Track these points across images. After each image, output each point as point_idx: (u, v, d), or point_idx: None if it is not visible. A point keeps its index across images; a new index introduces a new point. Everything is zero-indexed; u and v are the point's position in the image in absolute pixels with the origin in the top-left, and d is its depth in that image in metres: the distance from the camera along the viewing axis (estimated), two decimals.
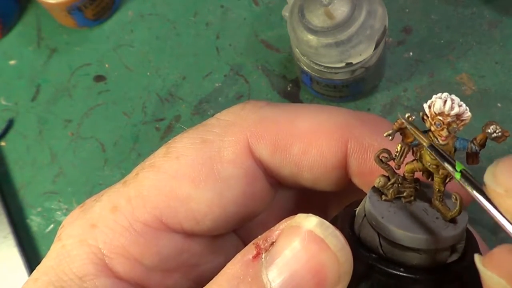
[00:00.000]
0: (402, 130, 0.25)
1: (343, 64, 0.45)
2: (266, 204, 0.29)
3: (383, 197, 0.25)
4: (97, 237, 0.26)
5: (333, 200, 0.32)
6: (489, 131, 0.25)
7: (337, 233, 0.22)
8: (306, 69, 0.48)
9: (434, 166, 0.25)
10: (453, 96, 0.24)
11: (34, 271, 0.26)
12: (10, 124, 0.58)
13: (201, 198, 0.26)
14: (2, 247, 0.53)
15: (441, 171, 0.25)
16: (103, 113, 0.57)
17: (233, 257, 0.30)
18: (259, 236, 0.23)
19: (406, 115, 0.25)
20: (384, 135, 0.24)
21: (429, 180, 0.26)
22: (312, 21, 0.44)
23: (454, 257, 0.25)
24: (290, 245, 0.21)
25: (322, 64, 0.46)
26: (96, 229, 0.26)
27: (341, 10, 0.43)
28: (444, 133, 0.24)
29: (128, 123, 0.56)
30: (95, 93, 0.57)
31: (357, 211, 0.26)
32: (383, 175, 0.25)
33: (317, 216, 0.22)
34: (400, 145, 0.25)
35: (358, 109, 0.52)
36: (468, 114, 0.24)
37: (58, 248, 0.26)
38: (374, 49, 0.44)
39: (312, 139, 0.26)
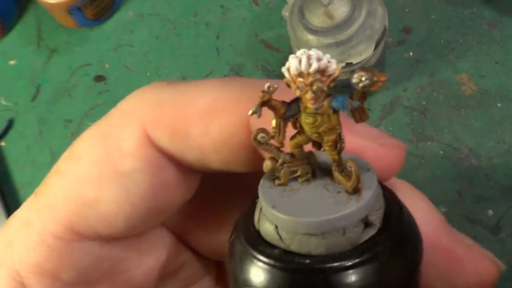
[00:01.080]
0: (269, 103, 0.21)
1: (343, 64, 0.45)
2: (187, 191, 0.27)
3: (277, 181, 0.22)
4: (13, 257, 0.24)
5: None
6: (354, 81, 0.20)
7: None
8: None
9: (316, 135, 0.22)
10: (312, 51, 0.20)
11: None
12: (10, 124, 0.58)
13: (108, 199, 0.24)
14: None
15: (326, 138, 0.21)
16: (103, 113, 0.56)
17: (165, 254, 0.28)
18: None
19: (266, 86, 0.21)
20: (249, 113, 0.21)
21: (322, 150, 0.22)
22: (312, 21, 0.44)
23: (371, 231, 0.21)
24: None
25: None
26: (12, 248, 0.25)
27: (341, 10, 0.43)
28: (309, 95, 0.20)
29: None
30: (95, 93, 0.57)
31: (257, 203, 0.23)
32: (271, 158, 0.22)
33: None
34: (274, 120, 0.22)
35: None
36: (333, 67, 0.20)
37: None
38: (374, 49, 0.44)
39: (211, 118, 0.24)
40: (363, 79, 0.20)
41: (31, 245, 0.24)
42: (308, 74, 0.20)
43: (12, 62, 0.60)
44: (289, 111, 0.22)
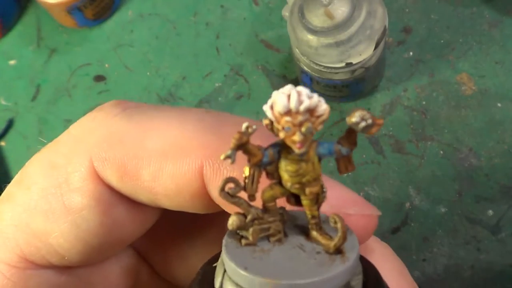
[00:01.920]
0: (244, 147, 0.18)
1: (343, 64, 0.45)
2: (143, 226, 0.25)
3: (243, 241, 0.19)
4: None
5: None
6: (355, 120, 0.18)
7: None
8: (306, 69, 0.48)
9: (297, 185, 0.19)
10: (299, 88, 0.18)
11: None
12: (10, 124, 0.58)
13: (58, 233, 0.23)
14: None
15: (308, 190, 0.19)
16: None
17: (132, 274, 0.27)
18: None
19: (244, 126, 0.18)
20: (221, 158, 0.18)
21: (298, 205, 0.20)
22: (312, 21, 0.44)
23: None
24: None
25: (322, 64, 0.46)
26: None
27: (341, 10, 0.43)
28: (298, 137, 0.18)
29: None
30: (95, 93, 0.57)
31: (216, 266, 0.20)
32: (237, 213, 0.19)
33: None
34: (247, 167, 0.19)
35: None
36: (324, 106, 0.18)
37: None
38: (374, 49, 0.44)
39: (162, 163, 0.21)
40: (367, 118, 0.18)
41: None
42: (297, 112, 0.18)
43: (12, 62, 0.60)
44: (266, 158, 0.19)
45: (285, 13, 0.48)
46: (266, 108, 0.18)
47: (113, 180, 0.22)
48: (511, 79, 0.51)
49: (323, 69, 0.46)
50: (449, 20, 0.53)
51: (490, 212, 0.47)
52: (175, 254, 0.28)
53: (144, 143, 0.22)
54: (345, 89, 0.49)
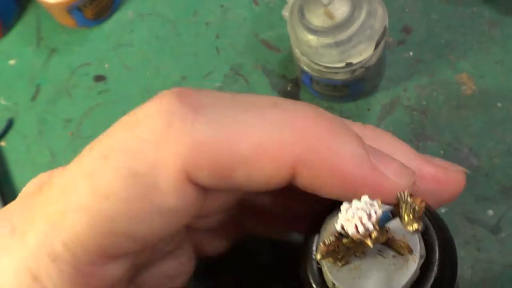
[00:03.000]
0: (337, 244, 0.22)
1: (343, 64, 0.45)
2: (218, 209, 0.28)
3: (339, 263, 0.23)
4: None
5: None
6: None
7: None
8: (306, 69, 0.48)
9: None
10: (360, 212, 0.21)
11: None
12: (10, 124, 0.58)
13: (150, 236, 0.24)
14: None
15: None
16: (103, 113, 0.57)
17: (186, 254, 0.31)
18: None
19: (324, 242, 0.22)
20: (318, 258, 0.22)
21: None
22: (312, 21, 0.44)
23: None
24: None
25: (322, 64, 0.46)
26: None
27: (341, 10, 0.43)
28: (370, 243, 0.21)
29: None
30: (95, 93, 0.57)
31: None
32: (324, 242, 0.22)
33: None
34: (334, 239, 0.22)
35: (358, 109, 0.52)
36: (379, 212, 0.22)
37: None
38: (374, 49, 0.44)
39: (256, 164, 0.23)
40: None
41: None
42: (368, 234, 0.21)
43: (12, 62, 0.60)
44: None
45: (285, 13, 0.48)
46: (338, 229, 0.22)
47: (206, 182, 0.24)
48: (511, 79, 0.51)
49: (323, 69, 0.46)
50: (449, 20, 0.53)
51: (490, 212, 0.47)
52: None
53: (237, 147, 0.23)
54: (345, 89, 0.49)
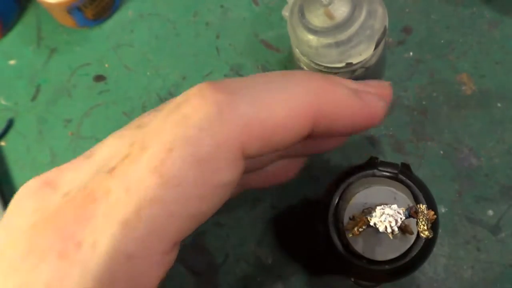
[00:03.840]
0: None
1: (343, 64, 0.45)
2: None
3: (356, 231, 0.32)
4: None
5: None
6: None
7: None
8: (306, 69, 0.48)
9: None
10: (390, 218, 0.31)
11: None
12: (10, 124, 0.58)
13: (211, 210, 0.27)
14: None
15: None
16: (103, 113, 0.57)
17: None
18: None
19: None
20: (351, 235, 0.32)
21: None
22: (312, 21, 0.44)
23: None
24: None
25: (322, 64, 0.46)
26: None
27: (341, 10, 0.43)
28: (392, 236, 0.32)
29: (128, 123, 0.56)
30: (95, 93, 0.57)
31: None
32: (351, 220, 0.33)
33: None
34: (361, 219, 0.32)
35: None
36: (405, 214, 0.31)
37: None
38: (374, 49, 0.44)
39: (290, 126, 0.28)
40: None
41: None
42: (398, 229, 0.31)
43: (12, 62, 0.60)
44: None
45: (285, 13, 0.48)
46: (371, 223, 0.32)
47: (255, 152, 0.28)
48: (511, 79, 0.51)
49: (323, 69, 0.46)
50: (449, 20, 0.53)
51: (490, 212, 0.47)
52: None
53: (274, 114, 0.28)
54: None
